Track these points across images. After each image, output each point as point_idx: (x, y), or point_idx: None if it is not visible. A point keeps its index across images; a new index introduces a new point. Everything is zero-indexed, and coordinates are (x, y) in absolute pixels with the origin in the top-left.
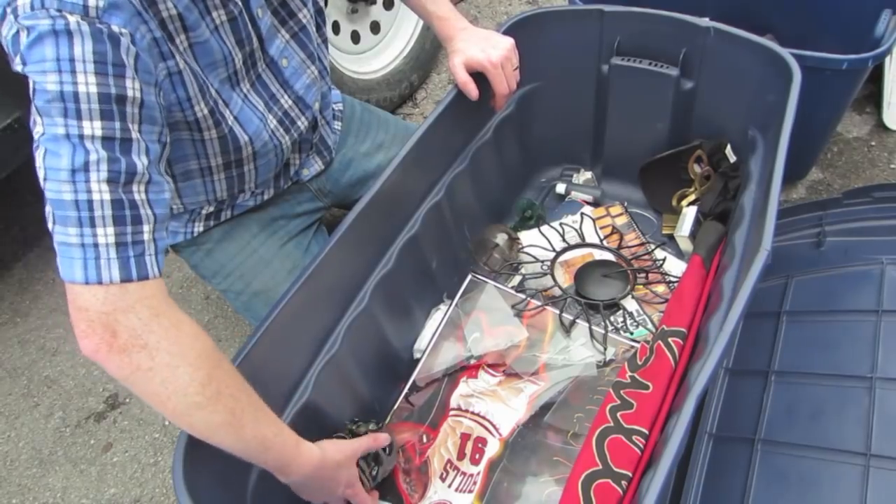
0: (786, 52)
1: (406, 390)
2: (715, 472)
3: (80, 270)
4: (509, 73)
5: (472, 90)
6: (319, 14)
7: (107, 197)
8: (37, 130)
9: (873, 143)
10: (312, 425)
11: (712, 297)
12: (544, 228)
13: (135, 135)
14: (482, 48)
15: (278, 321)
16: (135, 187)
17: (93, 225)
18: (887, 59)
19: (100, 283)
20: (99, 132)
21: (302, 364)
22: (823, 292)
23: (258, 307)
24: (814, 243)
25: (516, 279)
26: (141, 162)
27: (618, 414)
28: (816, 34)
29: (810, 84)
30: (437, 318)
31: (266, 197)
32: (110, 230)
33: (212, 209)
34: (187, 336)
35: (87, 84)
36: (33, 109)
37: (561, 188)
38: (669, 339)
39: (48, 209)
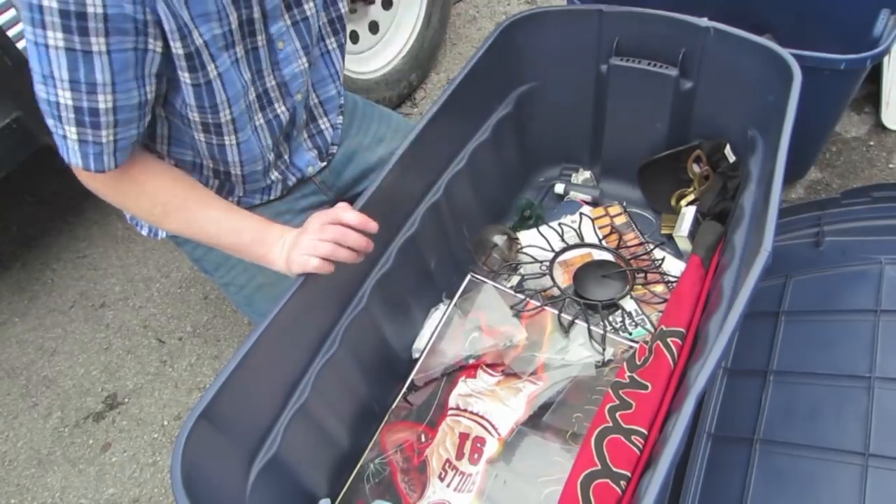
0: (786, 53)
1: (405, 390)
2: (714, 471)
3: (62, 152)
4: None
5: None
6: (339, 20)
7: (69, 103)
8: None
9: (872, 143)
10: (312, 427)
11: (711, 298)
12: (543, 228)
13: (99, 47)
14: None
15: (277, 321)
16: (99, 97)
17: (61, 122)
18: (886, 59)
19: (69, 164)
20: (61, 43)
21: (301, 364)
22: (822, 292)
23: (260, 302)
24: (812, 243)
25: (515, 279)
26: (103, 74)
27: (617, 414)
28: (815, 34)
29: (809, 84)
30: (435, 317)
31: (273, 196)
32: (73, 129)
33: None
34: (139, 205)
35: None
36: None
37: (560, 188)
38: (668, 340)
39: None
